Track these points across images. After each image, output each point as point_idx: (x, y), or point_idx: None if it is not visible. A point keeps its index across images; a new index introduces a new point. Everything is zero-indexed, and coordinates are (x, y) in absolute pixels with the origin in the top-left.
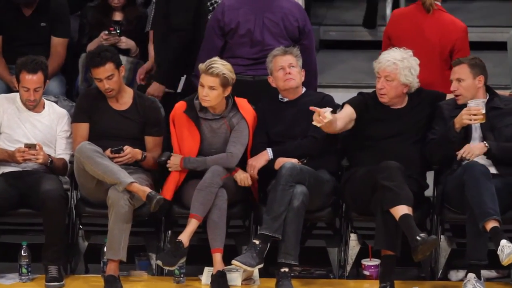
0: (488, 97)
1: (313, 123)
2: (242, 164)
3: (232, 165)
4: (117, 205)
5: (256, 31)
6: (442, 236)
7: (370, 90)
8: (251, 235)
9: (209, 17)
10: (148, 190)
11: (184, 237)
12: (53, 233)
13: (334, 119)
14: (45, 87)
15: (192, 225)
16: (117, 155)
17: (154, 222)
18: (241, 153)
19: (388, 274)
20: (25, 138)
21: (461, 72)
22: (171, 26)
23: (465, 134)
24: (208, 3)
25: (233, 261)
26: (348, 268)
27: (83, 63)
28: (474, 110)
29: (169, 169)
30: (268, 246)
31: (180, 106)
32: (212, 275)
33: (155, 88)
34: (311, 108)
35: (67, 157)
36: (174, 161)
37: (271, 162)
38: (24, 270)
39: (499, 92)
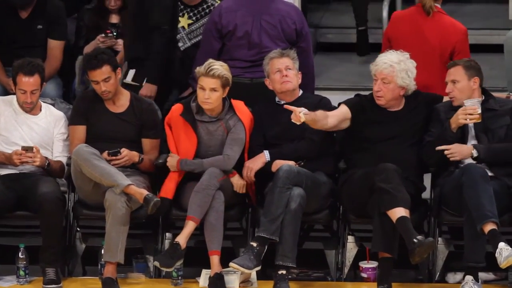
0: (483, 99)
1: (292, 121)
2: (239, 167)
3: (228, 167)
4: (114, 207)
5: (253, 33)
6: (439, 239)
7: (367, 93)
8: (248, 237)
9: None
10: (145, 192)
11: (181, 239)
12: (51, 236)
13: (321, 117)
14: (42, 89)
15: (189, 227)
16: (114, 157)
17: (151, 224)
18: (238, 156)
19: (386, 276)
20: (22, 140)
21: (456, 73)
22: (150, 25)
23: (462, 135)
24: (205, 6)
25: (231, 264)
26: (346, 270)
27: (80, 66)
28: (470, 110)
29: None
30: (266, 248)
31: (176, 108)
32: (210, 278)
33: (148, 89)
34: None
35: (64, 160)
36: (171, 162)
37: (268, 164)
38: (21, 273)
39: (496, 94)
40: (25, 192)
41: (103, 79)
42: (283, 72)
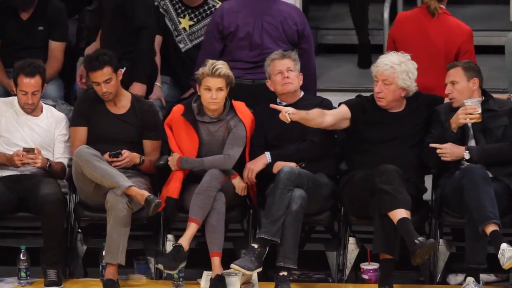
0: (483, 99)
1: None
2: (240, 168)
3: (228, 167)
4: (116, 208)
5: (255, 34)
6: (440, 240)
7: (368, 94)
8: (249, 238)
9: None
10: (146, 193)
11: (184, 241)
12: (52, 237)
13: (314, 115)
14: (43, 90)
15: (192, 229)
16: (115, 159)
17: (152, 225)
18: (238, 155)
19: (387, 278)
20: (23, 141)
21: (455, 75)
22: (136, 26)
23: (461, 135)
24: (206, 7)
25: (232, 265)
26: (347, 272)
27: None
28: (470, 109)
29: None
30: (267, 250)
31: (177, 109)
32: (211, 279)
33: (139, 89)
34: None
35: (65, 161)
36: (172, 161)
37: (269, 166)
38: (23, 274)
39: (496, 96)
40: (26, 193)
41: (104, 80)
42: (284, 73)
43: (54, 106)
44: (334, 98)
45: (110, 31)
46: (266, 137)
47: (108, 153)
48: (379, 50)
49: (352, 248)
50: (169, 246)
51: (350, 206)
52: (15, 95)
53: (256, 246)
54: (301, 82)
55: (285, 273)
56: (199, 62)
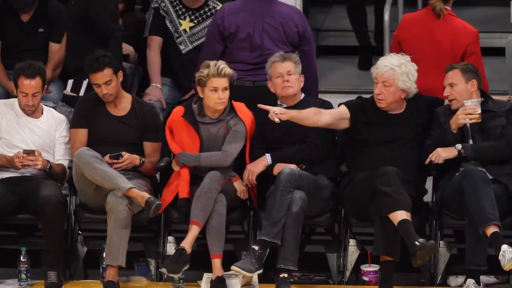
0: (482, 100)
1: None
2: (241, 170)
3: (226, 164)
4: (116, 210)
5: (255, 35)
6: (441, 242)
7: (368, 96)
8: (250, 240)
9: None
10: (147, 195)
11: (186, 244)
12: (52, 239)
13: (308, 114)
14: (44, 92)
15: (193, 231)
16: (115, 160)
17: (153, 227)
18: (237, 152)
19: (387, 279)
20: (23, 143)
21: (454, 77)
22: (104, 33)
23: (461, 136)
24: (207, 9)
25: (233, 267)
26: (347, 273)
27: None
28: (470, 109)
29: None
30: (267, 251)
31: (178, 111)
32: (212, 281)
33: None
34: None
35: (65, 163)
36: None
37: (269, 167)
38: (23, 276)
39: (497, 97)
40: (26, 195)
41: (105, 82)
42: (284, 77)
43: (54, 108)
44: (335, 99)
45: (76, 38)
46: (267, 139)
47: (108, 155)
48: (379, 52)
49: (353, 250)
50: (169, 248)
51: (350, 208)
52: (16, 97)
53: (256, 248)
54: (302, 84)
55: (286, 275)
56: (200, 64)
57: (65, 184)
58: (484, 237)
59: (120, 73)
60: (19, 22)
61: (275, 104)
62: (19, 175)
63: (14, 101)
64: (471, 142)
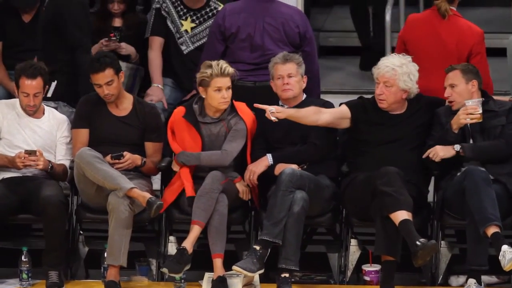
0: (483, 100)
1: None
2: (242, 170)
3: (226, 163)
4: (117, 210)
5: (256, 35)
6: (442, 242)
7: (369, 96)
8: (251, 240)
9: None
10: (148, 195)
11: (188, 244)
12: (54, 239)
13: (307, 113)
14: (45, 92)
15: (195, 231)
16: (117, 161)
17: (154, 227)
18: (237, 150)
19: (389, 279)
20: (25, 143)
21: (454, 78)
22: (69, 44)
23: (462, 136)
24: (208, 9)
25: (234, 267)
26: (349, 273)
27: None
28: (471, 109)
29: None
30: (269, 251)
31: (178, 111)
32: (213, 281)
33: None
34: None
35: (67, 163)
36: (174, 167)
37: (271, 167)
38: (24, 276)
39: (498, 98)
40: (28, 195)
41: (106, 82)
42: (284, 79)
43: (56, 108)
44: (336, 100)
45: (47, 43)
46: (268, 139)
47: (110, 155)
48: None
49: (354, 250)
50: (171, 248)
51: (351, 208)
52: (17, 97)
53: (258, 248)
54: (304, 85)
55: (287, 275)
56: (201, 63)
57: (66, 183)
58: (484, 237)
59: (122, 74)
60: (20, 23)
61: (277, 105)
62: (21, 175)
63: (16, 101)
64: (471, 142)
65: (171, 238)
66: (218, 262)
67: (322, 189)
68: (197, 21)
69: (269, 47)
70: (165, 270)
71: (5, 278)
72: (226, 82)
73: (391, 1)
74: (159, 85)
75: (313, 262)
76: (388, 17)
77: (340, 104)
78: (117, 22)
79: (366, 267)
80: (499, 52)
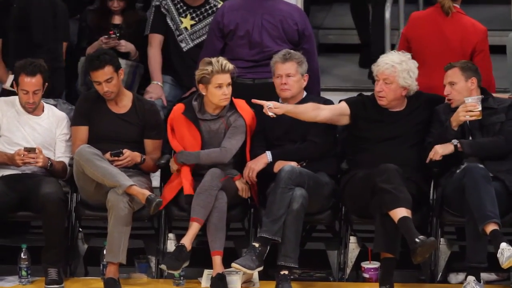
0: (482, 98)
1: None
2: (242, 167)
3: (225, 160)
4: (117, 208)
5: (254, 32)
6: (441, 239)
7: (369, 93)
8: (250, 237)
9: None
10: (147, 193)
11: (187, 241)
12: (53, 236)
13: (306, 109)
14: (44, 90)
15: (194, 228)
16: (116, 158)
17: (153, 224)
18: (237, 147)
19: (388, 276)
20: (24, 141)
21: (453, 75)
22: (33, 42)
23: (462, 134)
24: (208, 6)
25: (233, 264)
26: (348, 270)
27: (82, 67)
28: (470, 107)
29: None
30: (268, 248)
31: (178, 108)
32: (212, 278)
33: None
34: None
35: (66, 160)
36: (172, 162)
37: (270, 165)
38: (23, 273)
39: (498, 95)
40: (27, 192)
41: (105, 79)
42: (282, 79)
43: (55, 105)
44: (336, 97)
45: (13, 39)
46: (268, 137)
47: (109, 152)
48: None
49: (353, 247)
50: (170, 245)
51: (351, 205)
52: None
53: (257, 245)
54: (304, 84)
55: (286, 272)
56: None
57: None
58: (483, 234)
59: (121, 71)
60: None
61: (277, 102)
62: (20, 172)
63: (15, 98)
64: (470, 139)
65: (170, 235)
66: (217, 259)
67: (322, 186)
68: (196, 19)
69: (268, 44)
70: (163, 267)
71: (5, 275)
72: (226, 78)
73: None
74: (159, 83)
75: (312, 259)
76: (387, 14)
77: (340, 101)
78: (117, 20)
79: (365, 264)
80: (498, 50)
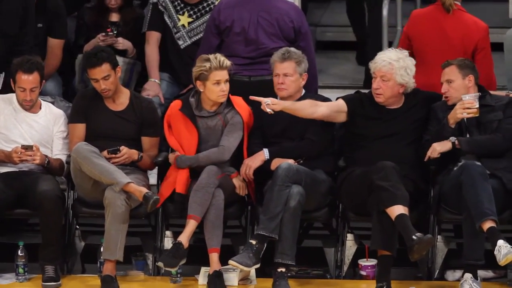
0: (480, 95)
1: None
2: (239, 165)
3: (225, 158)
4: (114, 205)
5: (250, 29)
6: (439, 236)
7: (366, 91)
8: (247, 235)
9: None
10: (144, 190)
11: (184, 238)
12: (50, 233)
13: (303, 106)
14: (42, 87)
15: (191, 226)
16: (113, 155)
17: (150, 222)
18: (235, 145)
19: (385, 274)
20: (21, 138)
21: (451, 73)
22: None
23: (459, 131)
24: (205, 4)
25: (230, 261)
26: (345, 268)
27: (80, 64)
28: (468, 104)
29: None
30: (265, 246)
31: (175, 105)
32: (209, 275)
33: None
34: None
35: (63, 158)
36: (171, 159)
37: (267, 162)
38: (21, 270)
39: (496, 93)
40: (24, 190)
41: (103, 77)
42: (279, 78)
43: (52, 103)
44: (333, 95)
45: None
46: (265, 134)
47: (106, 149)
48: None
49: (350, 245)
50: (167, 243)
51: (348, 203)
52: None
53: (254, 242)
54: (303, 83)
55: (283, 270)
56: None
57: (62, 178)
58: (481, 232)
59: (119, 68)
60: None
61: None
62: (17, 170)
63: (12, 96)
64: (468, 136)
65: (168, 232)
66: (214, 257)
67: (319, 184)
68: (194, 16)
69: (263, 41)
70: (160, 264)
71: (2, 273)
72: (224, 75)
73: None
74: (156, 80)
75: (309, 256)
76: (385, 12)
77: (337, 99)
78: (114, 17)
79: (363, 262)
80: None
